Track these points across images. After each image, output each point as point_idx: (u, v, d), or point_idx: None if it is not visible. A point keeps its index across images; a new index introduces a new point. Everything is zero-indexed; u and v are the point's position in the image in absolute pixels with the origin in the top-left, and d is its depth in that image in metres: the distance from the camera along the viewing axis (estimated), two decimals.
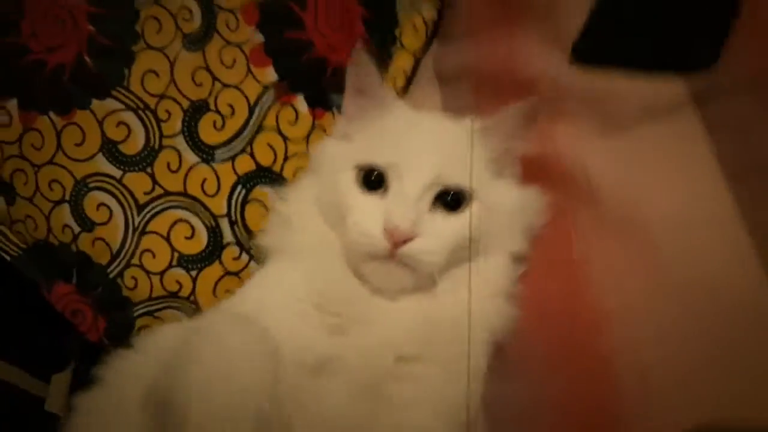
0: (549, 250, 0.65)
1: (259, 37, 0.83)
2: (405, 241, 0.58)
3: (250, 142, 0.82)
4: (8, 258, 0.85)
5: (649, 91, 0.64)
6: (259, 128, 0.83)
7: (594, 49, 0.75)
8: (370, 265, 0.60)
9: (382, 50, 0.88)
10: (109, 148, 0.79)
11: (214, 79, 0.81)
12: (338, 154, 0.67)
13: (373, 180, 0.62)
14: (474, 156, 0.63)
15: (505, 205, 0.65)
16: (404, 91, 0.90)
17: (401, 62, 0.89)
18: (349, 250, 0.62)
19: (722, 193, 0.53)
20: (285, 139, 0.84)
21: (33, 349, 0.97)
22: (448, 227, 0.61)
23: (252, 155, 0.82)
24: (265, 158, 0.83)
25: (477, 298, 0.61)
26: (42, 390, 0.96)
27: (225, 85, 0.82)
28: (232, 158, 0.82)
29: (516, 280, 0.65)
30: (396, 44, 0.89)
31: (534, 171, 0.68)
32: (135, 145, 0.80)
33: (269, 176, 0.83)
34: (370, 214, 0.60)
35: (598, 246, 0.62)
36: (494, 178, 0.65)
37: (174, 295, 0.81)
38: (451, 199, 0.62)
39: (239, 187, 0.82)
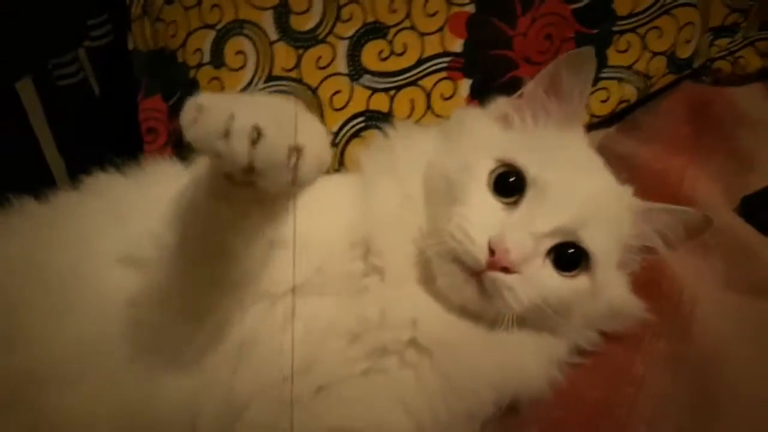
0: (611, 347, 0.58)
1: (471, 9, 0.80)
2: (503, 269, 0.51)
3: (398, 89, 0.80)
4: (131, 46, 0.85)
5: None
6: (414, 83, 0.80)
7: (763, 211, 0.70)
8: (447, 266, 0.53)
9: None
10: (281, 12, 0.78)
11: (408, 15, 0.79)
12: (488, 134, 0.58)
13: (506, 184, 0.54)
14: (619, 229, 0.56)
15: (610, 299, 0.57)
16: None
17: None
18: (434, 238, 0.54)
19: None
20: (429, 107, 0.81)
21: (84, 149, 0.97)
22: (550, 283, 0.53)
23: (391, 99, 0.79)
24: (400, 110, 0.80)
25: (516, 354, 0.55)
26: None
27: (413, 27, 0.79)
28: (374, 90, 0.79)
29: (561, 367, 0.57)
30: None
31: (641, 269, 0.63)
32: (305, 23, 0.78)
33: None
34: (481, 216, 0.52)
35: (661, 376, 0.55)
36: (616, 266, 0.58)
37: None
38: (569, 256, 0.53)
39: (361, 118, 0.79)
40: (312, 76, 0.78)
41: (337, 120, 0.79)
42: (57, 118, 0.96)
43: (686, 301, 0.60)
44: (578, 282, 0.54)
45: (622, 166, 0.79)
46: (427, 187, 0.58)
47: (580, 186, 0.54)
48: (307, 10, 0.78)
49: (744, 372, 0.55)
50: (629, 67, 0.85)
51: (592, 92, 0.84)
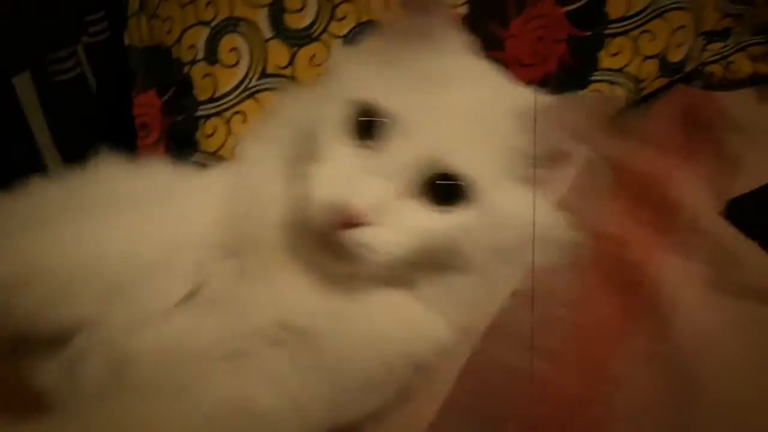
0: (590, 344, 0.59)
1: (464, 9, 0.81)
2: (355, 226, 0.45)
3: None
4: (127, 42, 0.86)
5: None
6: None
7: (748, 215, 0.70)
8: (302, 234, 0.48)
9: None
10: (276, 10, 0.79)
11: None
12: (352, 76, 0.52)
13: (366, 126, 0.48)
14: (507, 141, 0.48)
15: (521, 224, 0.48)
16: None
17: None
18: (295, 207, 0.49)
19: None
20: None
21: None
22: (422, 223, 0.47)
23: None
24: None
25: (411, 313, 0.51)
26: None
27: None
28: None
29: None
30: None
31: (622, 269, 0.63)
32: (300, 21, 0.79)
33: None
34: (330, 172, 0.47)
35: (641, 375, 0.56)
36: (516, 180, 0.50)
37: None
38: (443, 188, 0.47)
39: None
40: (306, 74, 0.79)
41: None
42: (53, 112, 0.97)
43: (666, 300, 0.60)
44: (459, 214, 0.48)
45: (610, 170, 0.81)
46: (295, 152, 0.52)
47: (446, 105, 0.48)
48: (302, 9, 0.79)
49: (725, 372, 0.56)
50: (621, 70, 0.85)
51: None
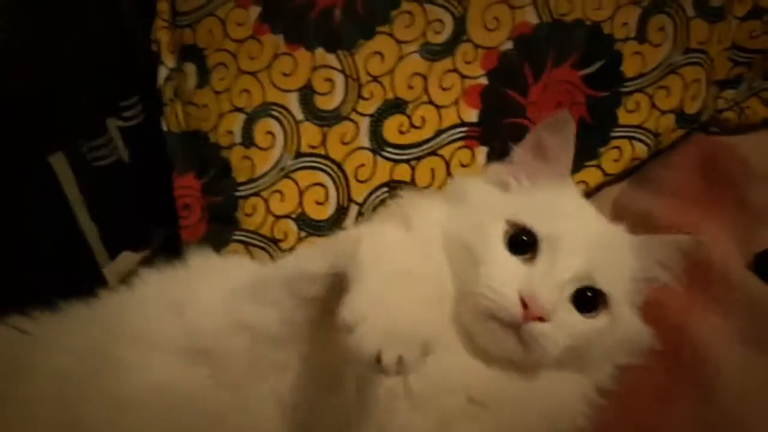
0: (638, 412, 0.60)
1: (483, 81, 0.85)
2: (537, 319, 0.54)
3: (418, 159, 0.84)
4: (165, 129, 0.90)
5: None
6: (433, 152, 0.84)
7: None
8: (485, 324, 0.56)
9: (577, 155, 0.87)
10: (306, 94, 0.83)
11: (425, 90, 0.84)
12: (492, 199, 0.63)
13: (520, 242, 0.58)
14: (624, 266, 0.60)
15: (627, 331, 0.60)
16: None
17: (588, 177, 0.88)
18: (466, 300, 0.57)
19: None
20: (449, 175, 0.85)
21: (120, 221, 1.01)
22: (578, 325, 0.57)
23: (413, 169, 0.84)
24: (422, 178, 0.84)
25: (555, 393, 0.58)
26: (103, 257, 1.00)
27: (430, 102, 0.84)
28: (396, 162, 0.83)
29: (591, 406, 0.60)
30: (593, 160, 0.88)
31: (664, 332, 0.65)
32: (329, 103, 0.83)
33: None
34: (506, 274, 0.56)
35: None
36: (628, 301, 0.61)
37: (275, 241, 0.82)
38: (588, 299, 0.57)
39: (385, 188, 0.83)
40: (337, 152, 0.83)
41: (362, 191, 0.83)
42: (92, 195, 1.01)
43: (710, 361, 0.62)
44: (600, 321, 0.58)
45: (638, 224, 0.83)
46: (448, 252, 0.61)
47: (583, 233, 0.59)
48: (330, 92, 0.83)
49: None
50: (639, 126, 0.88)
51: (605, 151, 0.88)
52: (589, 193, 0.89)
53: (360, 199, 0.83)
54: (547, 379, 0.58)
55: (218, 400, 0.54)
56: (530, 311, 0.54)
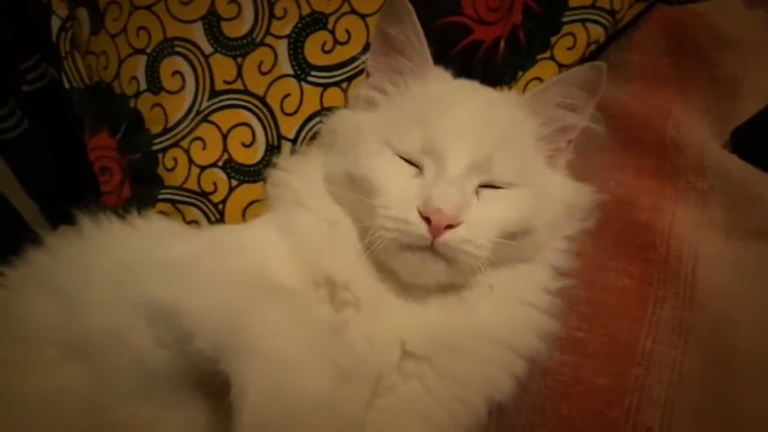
0: (613, 324, 0.54)
1: None
2: (447, 228, 0.49)
3: (350, 80, 0.74)
4: (67, 86, 0.80)
5: None
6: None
7: (755, 144, 0.64)
8: (402, 255, 0.51)
9: (528, 49, 0.78)
10: (212, 21, 0.73)
11: None
12: (363, 126, 0.56)
13: (405, 159, 0.53)
14: (523, 133, 0.55)
15: (561, 197, 0.56)
16: None
17: (543, 72, 0.79)
18: (375, 237, 0.51)
19: None
20: None
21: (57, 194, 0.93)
22: (496, 211, 0.52)
23: (345, 92, 0.74)
24: None
25: (507, 307, 0.54)
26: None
27: (353, 11, 0.74)
28: (325, 86, 0.74)
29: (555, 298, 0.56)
30: (546, 51, 0.79)
31: (633, 232, 0.58)
32: (238, 28, 0.73)
33: None
34: (401, 196, 0.51)
35: (670, 351, 0.51)
36: (547, 167, 0.57)
37: (205, 195, 0.74)
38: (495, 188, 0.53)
39: (317, 119, 0.74)
40: (257, 84, 0.74)
41: (292, 125, 0.74)
42: (20, 171, 0.94)
43: (687, 261, 0.55)
44: (520, 196, 0.53)
45: (602, 116, 0.75)
46: (339, 199, 0.56)
47: (465, 118, 0.54)
48: (238, 15, 0.73)
49: (757, 327, 0.51)
50: (592, 6, 0.78)
51: (557, 40, 0.79)
52: None
53: (291, 135, 0.74)
54: (495, 298, 0.53)
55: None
56: (436, 224, 0.49)
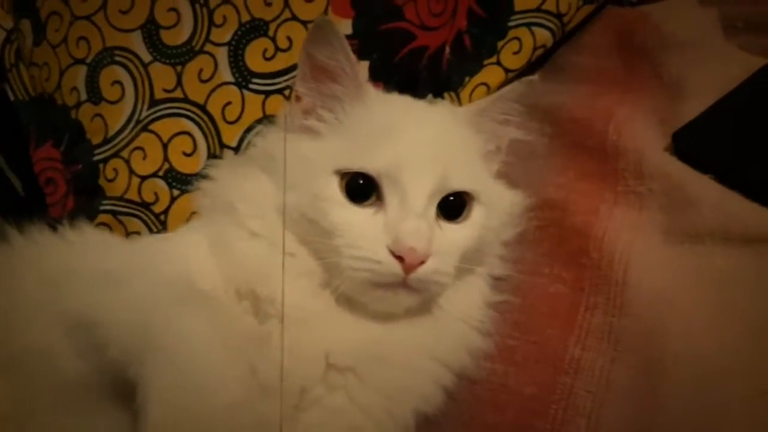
0: (543, 331, 0.53)
1: None
2: (420, 264, 0.49)
3: (292, 87, 0.73)
4: (12, 98, 0.80)
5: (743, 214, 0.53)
6: None
7: (695, 146, 0.63)
8: (374, 292, 0.50)
9: (475, 54, 0.77)
10: (150, 30, 0.72)
11: (286, 5, 0.73)
12: (308, 153, 0.53)
13: (359, 188, 0.51)
14: (470, 148, 0.55)
15: (502, 208, 0.56)
16: None
17: (490, 77, 0.77)
18: (340, 275, 0.50)
19: None
20: None
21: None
22: (455, 240, 0.52)
23: (287, 99, 0.73)
24: None
25: (443, 322, 0.53)
26: None
27: (294, 17, 0.73)
28: (267, 94, 0.73)
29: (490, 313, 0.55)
30: (492, 57, 0.78)
31: (569, 237, 0.57)
32: (177, 37, 0.72)
33: None
34: (366, 236, 0.50)
35: (598, 358, 0.50)
36: (491, 177, 0.58)
37: (146, 205, 0.73)
38: (452, 203, 0.52)
39: (260, 126, 0.73)
40: (197, 93, 0.73)
41: (234, 133, 0.73)
42: None
43: (618, 267, 0.54)
44: (475, 217, 0.54)
45: (548, 120, 0.74)
46: (292, 228, 0.53)
47: (416, 140, 0.52)
48: (177, 23, 0.72)
49: (691, 331, 0.50)
50: (538, 9, 0.77)
51: (504, 45, 0.78)
52: None
53: (233, 143, 0.73)
54: (433, 314, 0.53)
55: None
56: (410, 262, 0.48)
